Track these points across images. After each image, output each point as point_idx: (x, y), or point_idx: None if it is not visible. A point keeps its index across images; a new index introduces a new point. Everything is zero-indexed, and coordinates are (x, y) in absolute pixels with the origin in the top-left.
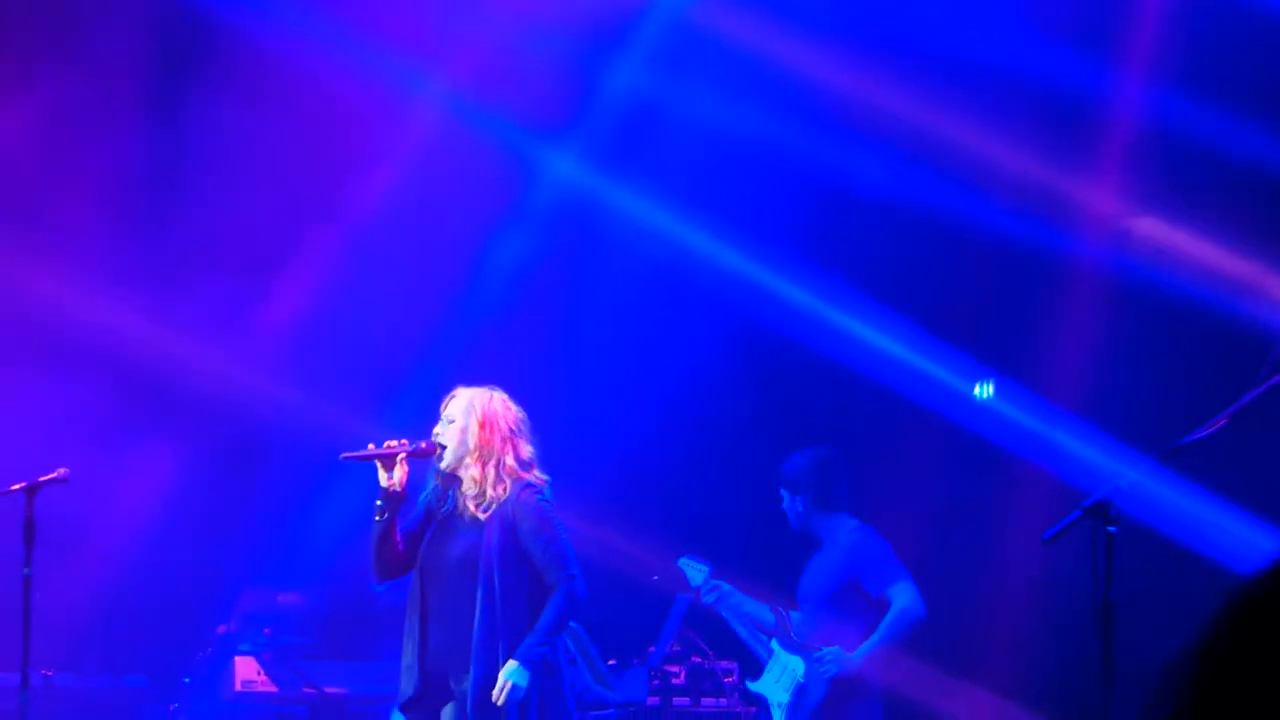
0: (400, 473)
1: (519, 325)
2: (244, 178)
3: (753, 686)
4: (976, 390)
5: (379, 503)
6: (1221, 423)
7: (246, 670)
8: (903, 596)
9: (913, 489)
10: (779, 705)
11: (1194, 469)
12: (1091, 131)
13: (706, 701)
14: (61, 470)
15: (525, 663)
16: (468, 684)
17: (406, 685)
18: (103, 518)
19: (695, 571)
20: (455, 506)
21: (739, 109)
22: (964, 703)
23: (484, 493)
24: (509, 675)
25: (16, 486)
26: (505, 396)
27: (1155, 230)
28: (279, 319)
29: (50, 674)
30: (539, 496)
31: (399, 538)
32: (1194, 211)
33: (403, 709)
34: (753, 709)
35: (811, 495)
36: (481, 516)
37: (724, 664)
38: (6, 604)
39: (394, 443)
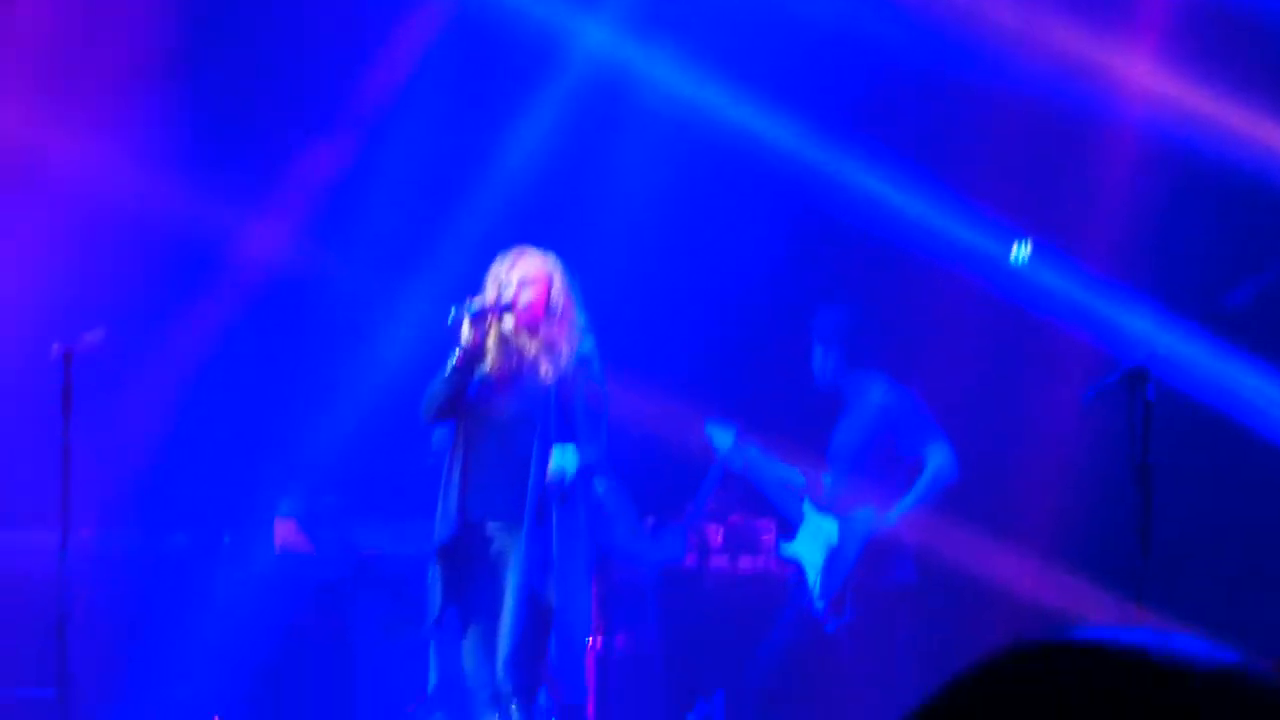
0: (491, 331)
1: (553, 193)
2: (279, 42)
3: (786, 549)
4: (1013, 251)
5: (457, 355)
6: (1261, 286)
7: (286, 531)
8: (937, 457)
9: (949, 353)
10: (813, 567)
11: (1233, 333)
12: None
13: (744, 561)
14: (98, 332)
15: (584, 461)
16: (509, 534)
17: (444, 529)
18: (141, 380)
19: (723, 435)
20: (514, 363)
21: None
22: (1000, 565)
23: (555, 353)
24: (562, 462)
25: (55, 347)
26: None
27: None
28: (314, 185)
29: (90, 532)
30: (596, 364)
31: (467, 388)
32: (1234, 75)
33: (438, 555)
34: (789, 569)
35: (844, 349)
36: (546, 372)
37: (761, 524)
38: (46, 465)
39: (479, 301)
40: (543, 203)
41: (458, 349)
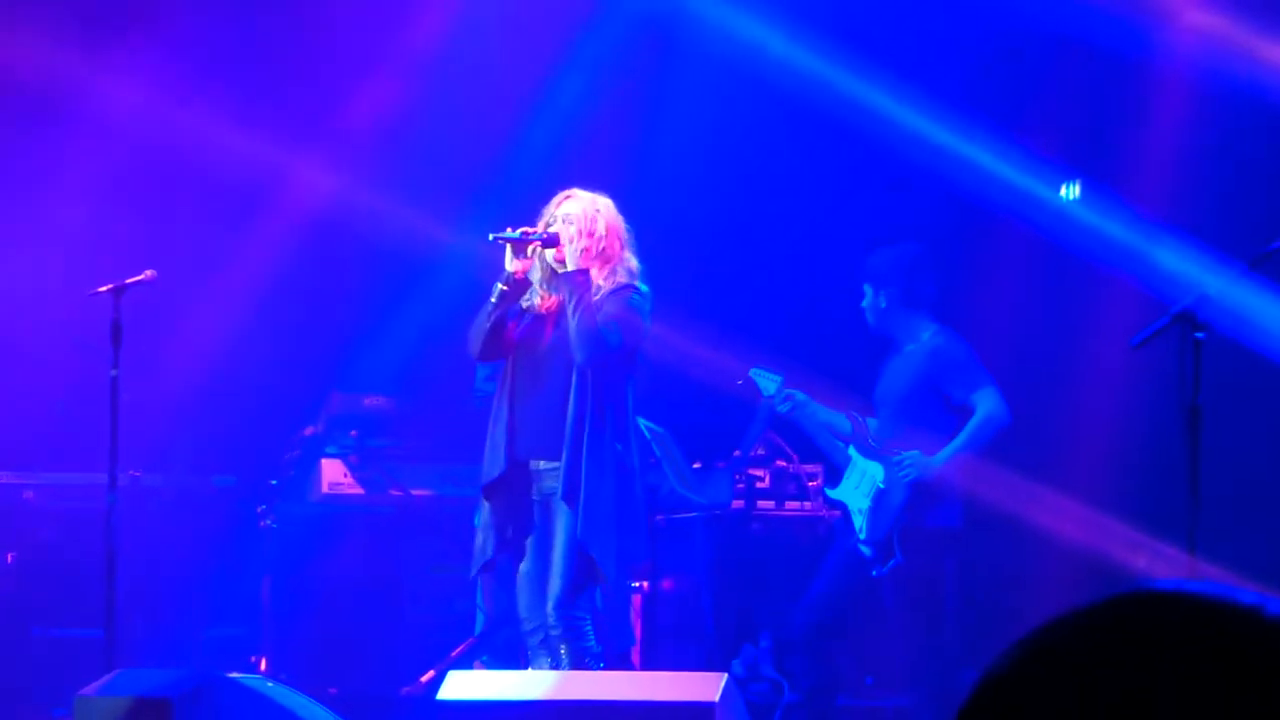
0: (535, 261)
1: (603, 133)
2: None
3: (831, 493)
4: (1062, 191)
5: (502, 286)
6: None
7: (333, 472)
8: (987, 402)
9: (998, 297)
10: (859, 511)
11: None
12: None
13: (790, 505)
14: (149, 272)
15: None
16: (555, 472)
17: (492, 467)
18: (190, 320)
19: (768, 381)
20: (557, 299)
21: None
22: (1047, 509)
23: (596, 290)
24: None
25: (104, 288)
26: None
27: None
28: (364, 123)
29: (138, 474)
30: (635, 294)
31: (510, 322)
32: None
33: (485, 491)
34: (836, 513)
35: (897, 291)
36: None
37: (808, 468)
38: (95, 405)
39: (529, 229)
40: (593, 143)
41: (499, 281)
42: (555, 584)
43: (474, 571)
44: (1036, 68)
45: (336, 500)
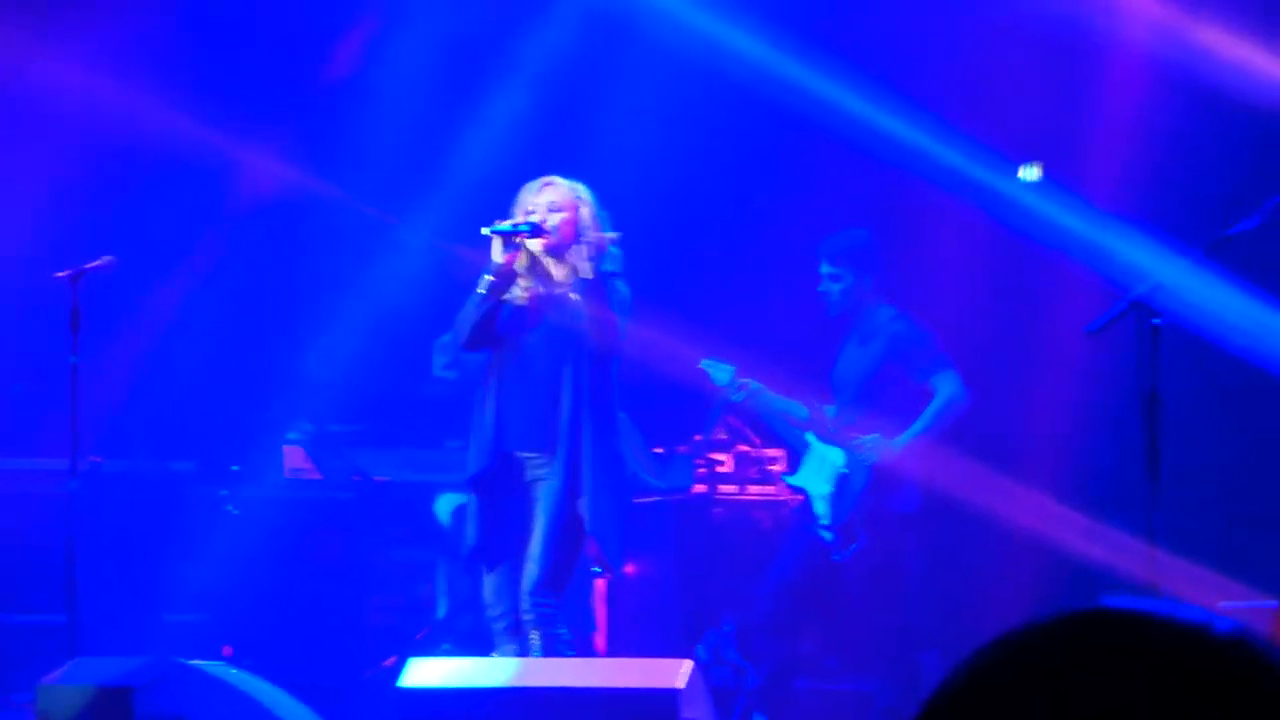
0: (523, 253)
1: (554, 120)
2: None
3: (791, 480)
4: (1021, 173)
5: (489, 278)
6: (1266, 214)
7: (294, 458)
8: (948, 385)
9: (953, 284)
10: (820, 496)
11: (1239, 263)
12: None
13: (752, 489)
14: (107, 257)
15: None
16: (542, 463)
17: (478, 459)
18: (149, 306)
19: (720, 372)
20: (542, 289)
21: None
22: (1006, 495)
23: (585, 273)
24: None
25: (62, 273)
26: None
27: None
28: (317, 109)
29: (99, 460)
30: (622, 283)
31: (498, 313)
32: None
33: (471, 483)
34: (799, 498)
35: (863, 276)
36: (575, 297)
37: (770, 452)
38: (55, 391)
39: (516, 220)
40: (544, 130)
41: (487, 272)
42: (533, 570)
43: (462, 559)
44: (988, 56)
45: (298, 485)
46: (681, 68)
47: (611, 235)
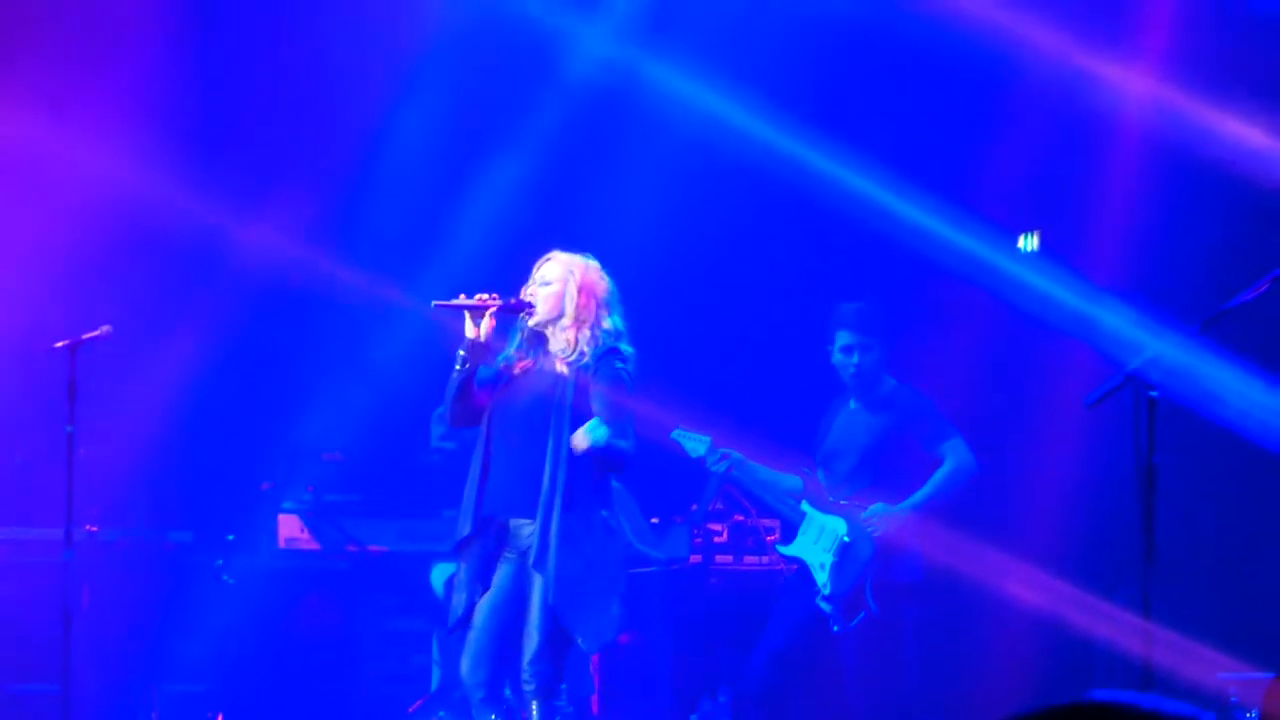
0: (487, 325)
1: (552, 199)
2: (282, 44)
3: (786, 550)
4: (1020, 243)
5: (461, 353)
6: (1261, 291)
7: (290, 527)
8: (957, 452)
9: (951, 356)
10: (820, 566)
11: (1235, 338)
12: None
13: (748, 559)
14: (105, 328)
15: (599, 431)
16: (531, 531)
17: (464, 526)
18: (147, 376)
19: (694, 443)
20: (536, 362)
21: None
22: (1001, 570)
23: (575, 350)
24: (590, 427)
25: (60, 343)
26: (599, 266)
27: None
28: (318, 184)
29: (95, 529)
30: (620, 364)
31: (477, 389)
32: (1236, 81)
33: (457, 550)
34: (794, 567)
35: (887, 344)
36: (563, 370)
37: (766, 522)
38: (52, 460)
39: (485, 296)
40: (545, 202)
41: (460, 348)
42: (533, 639)
43: (444, 627)
44: (987, 129)
45: (293, 555)
46: (675, 139)
47: (605, 311)
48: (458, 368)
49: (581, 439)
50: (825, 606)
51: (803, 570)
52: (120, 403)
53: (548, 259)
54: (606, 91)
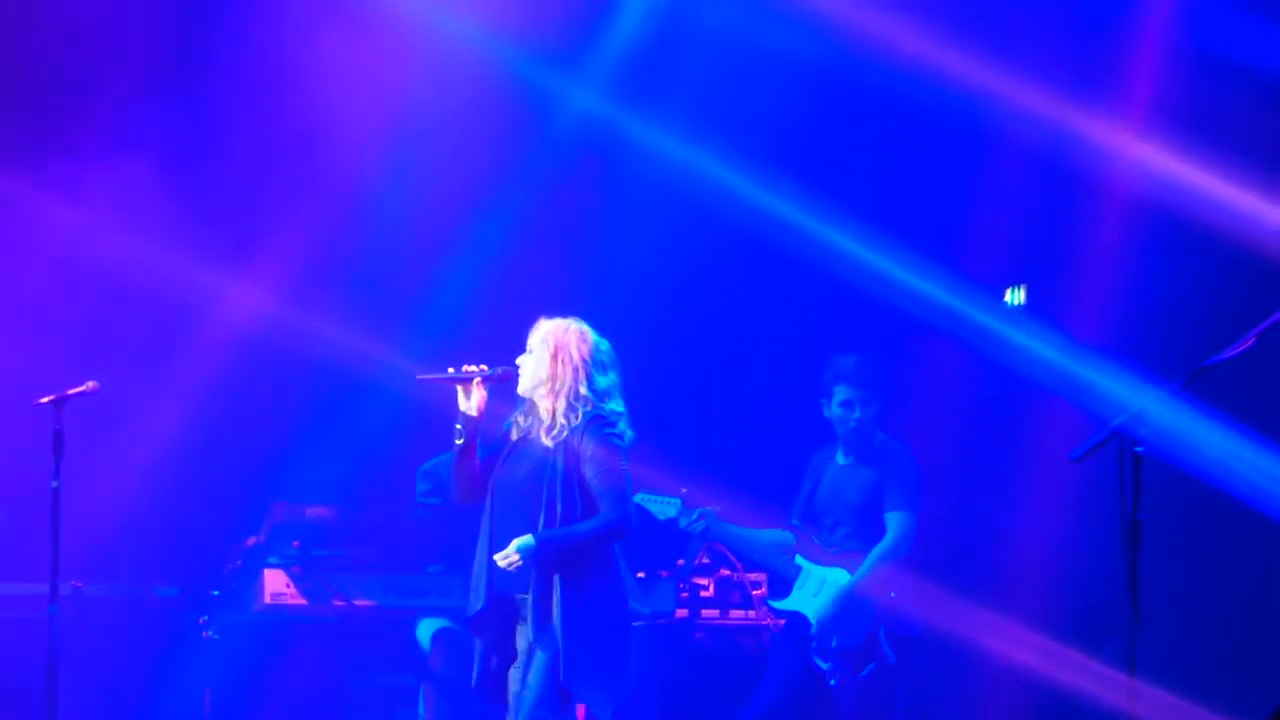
0: (478, 397)
1: (539, 255)
2: (264, 112)
3: (781, 605)
4: (1007, 296)
5: (457, 426)
6: (1245, 347)
7: (275, 583)
8: (893, 529)
9: (936, 410)
10: (821, 619)
11: (1219, 394)
12: (1120, 55)
13: (735, 614)
14: (91, 383)
15: (538, 539)
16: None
17: (474, 601)
18: (132, 431)
19: (661, 506)
20: (530, 432)
21: (754, 25)
22: (986, 628)
23: (555, 421)
24: (520, 544)
25: (45, 399)
26: (583, 328)
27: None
28: (305, 241)
29: (80, 585)
30: (607, 429)
31: (477, 461)
32: (1221, 139)
33: (471, 625)
34: (781, 622)
35: (882, 400)
36: (549, 443)
37: (753, 576)
38: (36, 516)
39: (472, 368)
40: (522, 262)
41: (457, 422)
42: (529, 698)
43: (464, 692)
44: (972, 185)
45: (279, 611)
46: (658, 194)
47: (585, 375)
48: (457, 442)
49: (503, 560)
50: (823, 664)
51: (793, 625)
52: (106, 458)
53: (536, 327)
54: (592, 147)
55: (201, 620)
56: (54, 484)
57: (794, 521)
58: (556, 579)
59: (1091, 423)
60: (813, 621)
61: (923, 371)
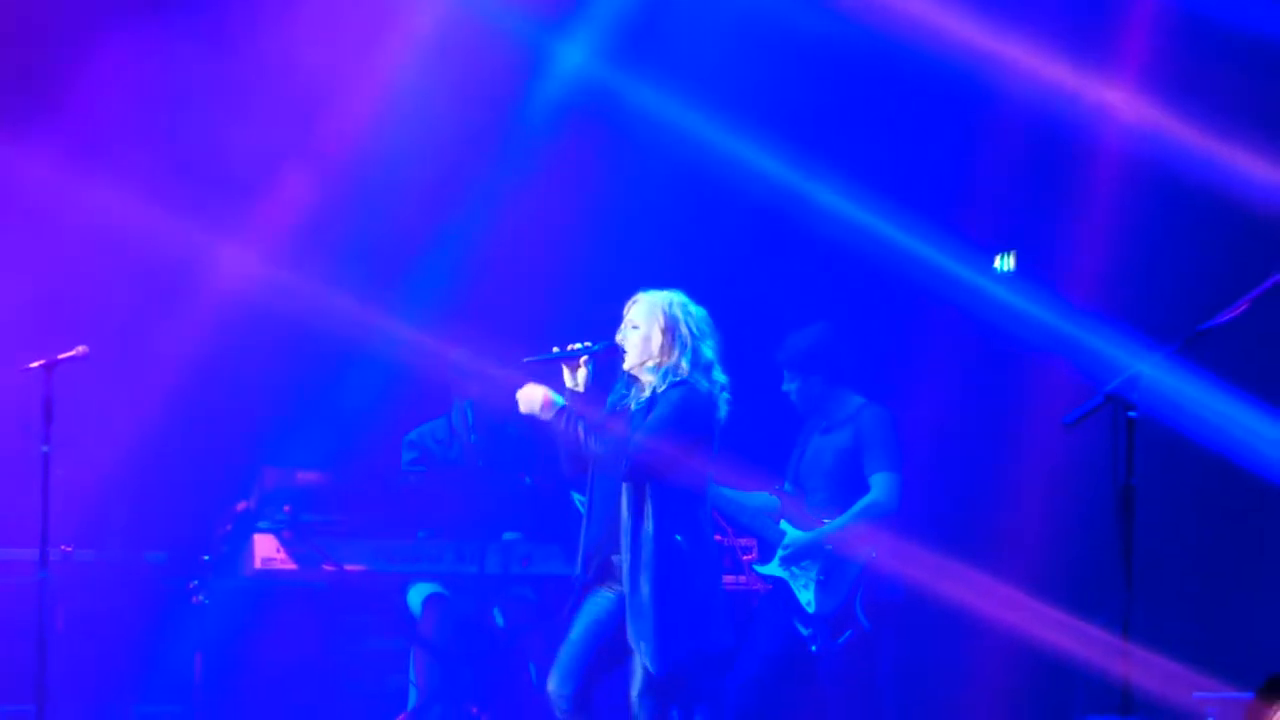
0: (583, 374)
1: (532, 220)
2: (256, 69)
3: (765, 570)
4: (997, 263)
5: (563, 402)
6: (1240, 311)
7: (266, 548)
8: (879, 489)
9: (930, 376)
10: (805, 584)
11: (1213, 358)
12: (1114, 16)
13: (725, 579)
14: (81, 347)
15: (567, 399)
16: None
17: (579, 566)
18: (122, 396)
19: None
20: (630, 404)
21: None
22: (979, 590)
23: (648, 390)
24: (545, 394)
25: (36, 363)
26: (685, 299)
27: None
28: (294, 204)
29: (70, 550)
30: (684, 390)
31: (575, 435)
32: (1214, 101)
33: (577, 588)
34: (769, 587)
35: (828, 371)
36: (635, 408)
37: (743, 541)
38: (27, 480)
39: (576, 345)
40: (512, 227)
41: (562, 398)
42: (638, 674)
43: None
44: (965, 149)
45: (269, 575)
46: (650, 157)
47: (688, 347)
48: (564, 420)
49: (522, 394)
50: (804, 629)
51: (778, 591)
52: (96, 423)
53: (635, 301)
54: (584, 111)
55: (192, 585)
56: (44, 449)
57: (785, 487)
58: (649, 539)
59: (1085, 388)
60: (794, 586)
61: (915, 336)
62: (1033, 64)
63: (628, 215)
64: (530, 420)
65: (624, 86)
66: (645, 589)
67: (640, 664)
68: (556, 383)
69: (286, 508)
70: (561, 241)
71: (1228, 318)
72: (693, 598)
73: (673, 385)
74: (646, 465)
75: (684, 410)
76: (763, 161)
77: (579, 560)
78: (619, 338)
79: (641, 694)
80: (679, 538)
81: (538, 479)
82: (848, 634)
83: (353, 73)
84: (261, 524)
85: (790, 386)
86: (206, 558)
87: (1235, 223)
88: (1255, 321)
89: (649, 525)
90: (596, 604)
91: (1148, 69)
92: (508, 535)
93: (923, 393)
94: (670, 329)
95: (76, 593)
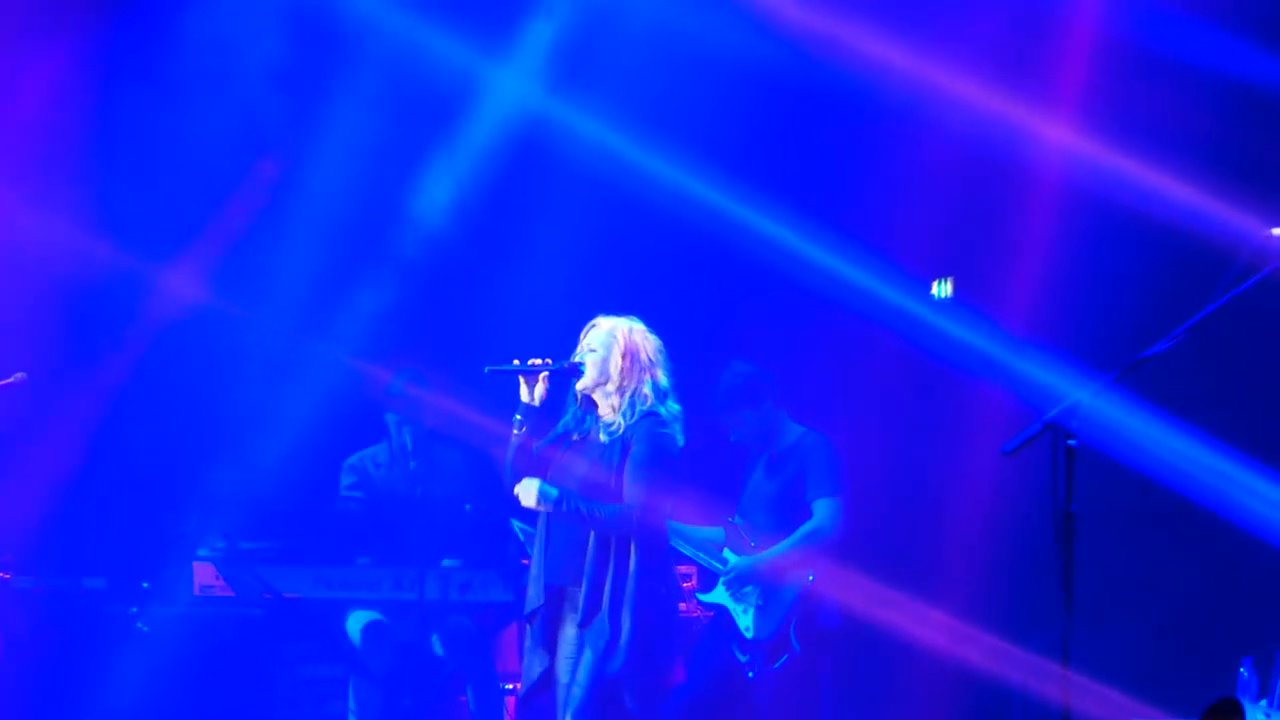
0: (540, 389)
1: (468, 247)
2: (188, 99)
3: (707, 598)
4: (934, 289)
5: (517, 416)
6: (1178, 340)
7: (205, 574)
8: (821, 514)
9: (869, 405)
10: (744, 610)
11: (1151, 387)
12: (1050, 47)
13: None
14: (19, 374)
15: (561, 494)
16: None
17: (533, 596)
18: (60, 422)
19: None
20: (589, 429)
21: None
22: (917, 618)
23: (614, 419)
24: (543, 490)
25: None
26: (644, 327)
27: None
28: (227, 234)
29: (7, 576)
30: (660, 428)
31: (535, 455)
32: (1151, 130)
33: (527, 618)
34: (710, 614)
35: (757, 403)
36: (605, 439)
37: (683, 569)
38: None
39: (538, 361)
40: (450, 254)
41: (516, 412)
42: (576, 695)
43: (523, 693)
44: (906, 181)
45: (208, 602)
46: (585, 183)
47: (649, 373)
48: (514, 431)
49: (521, 490)
50: (741, 656)
51: (719, 618)
52: (34, 449)
53: (593, 325)
54: (519, 136)
55: (131, 611)
56: None
57: (735, 520)
58: (609, 572)
59: (1024, 415)
60: (734, 613)
61: (854, 364)
62: (971, 92)
63: (565, 243)
64: (466, 446)
65: (561, 114)
66: (626, 625)
67: (581, 689)
68: (514, 395)
69: (224, 535)
70: (497, 267)
71: (1166, 346)
72: (666, 635)
73: (643, 415)
74: (655, 528)
75: (663, 453)
76: (700, 190)
77: (536, 590)
78: (577, 358)
79: (581, 715)
80: (658, 576)
81: (477, 506)
82: (783, 659)
83: (289, 93)
84: (201, 551)
85: (728, 422)
86: (145, 584)
87: (1172, 251)
88: (1193, 349)
89: (633, 563)
90: (571, 641)
91: (1084, 98)
92: (447, 562)
93: (862, 420)
94: (630, 354)
95: (15, 620)
